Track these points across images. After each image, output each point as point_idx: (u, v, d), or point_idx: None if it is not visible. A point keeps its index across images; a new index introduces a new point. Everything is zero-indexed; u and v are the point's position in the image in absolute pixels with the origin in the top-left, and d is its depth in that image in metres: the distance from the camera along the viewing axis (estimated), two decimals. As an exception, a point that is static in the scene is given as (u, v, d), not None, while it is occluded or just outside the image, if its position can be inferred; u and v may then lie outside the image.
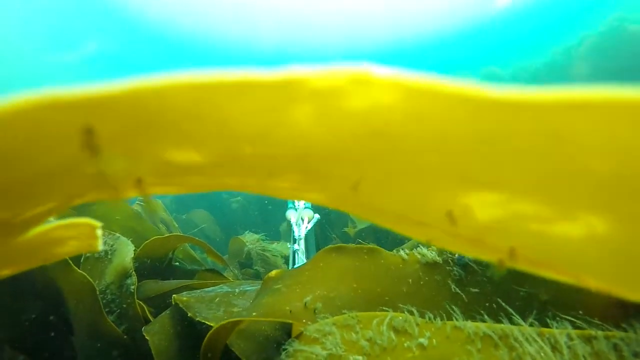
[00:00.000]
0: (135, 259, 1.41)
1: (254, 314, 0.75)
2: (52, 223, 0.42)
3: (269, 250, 2.42)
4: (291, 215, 1.62)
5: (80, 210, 1.95)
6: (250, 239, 2.48)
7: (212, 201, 5.53)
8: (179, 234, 1.59)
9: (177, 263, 1.84)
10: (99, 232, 0.46)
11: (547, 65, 6.36)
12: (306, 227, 1.54)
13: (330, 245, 0.85)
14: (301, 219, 1.57)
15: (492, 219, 0.27)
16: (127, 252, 1.32)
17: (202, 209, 5.08)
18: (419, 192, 0.27)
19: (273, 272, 0.88)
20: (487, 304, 0.72)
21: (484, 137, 0.22)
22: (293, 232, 1.55)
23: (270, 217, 5.04)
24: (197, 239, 1.58)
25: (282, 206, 4.67)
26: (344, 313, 0.66)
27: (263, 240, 2.49)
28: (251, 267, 2.50)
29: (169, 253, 1.64)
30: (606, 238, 0.24)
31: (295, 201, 1.66)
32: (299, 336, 0.64)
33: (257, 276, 2.42)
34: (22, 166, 0.25)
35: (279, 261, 2.45)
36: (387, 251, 0.82)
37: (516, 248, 0.28)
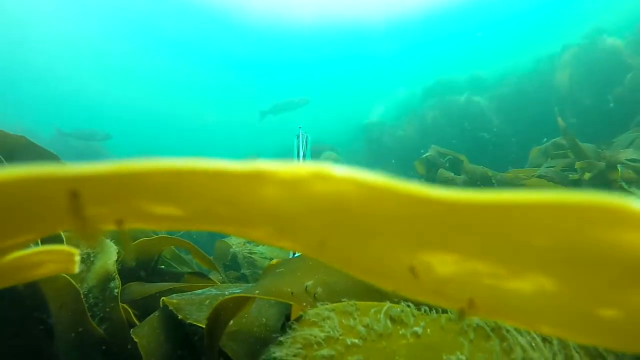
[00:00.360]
0: (121, 261, 1.39)
1: (256, 292, 0.78)
2: (32, 249, 0.43)
3: (256, 253, 2.41)
4: None
5: None
6: (236, 242, 2.47)
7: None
8: (166, 235, 1.57)
9: (163, 266, 1.82)
10: (77, 257, 0.47)
11: (531, 72, 6.50)
12: None
13: None
14: None
15: (451, 274, 0.30)
16: (110, 254, 1.30)
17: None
18: (381, 253, 0.31)
19: (274, 260, 0.90)
20: None
21: (430, 221, 0.26)
22: None
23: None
24: (184, 240, 1.57)
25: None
26: (343, 300, 0.68)
27: (248, 243, 2.48)
28: (236, 269, 2.48)
29: (155, 255, 1.63)
30: (553, 294, 0.28)
31: None
32: (298, 319, 0.66)
33: (243, 279, 2.41)
34: (13, 214, 0.29)
35: (266, 263, 2.45)
36: None
37: (475, 299, 0.31)
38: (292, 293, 0.75)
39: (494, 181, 2.55)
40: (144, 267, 1.62)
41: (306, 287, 0.76)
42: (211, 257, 2.60)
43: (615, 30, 6.25)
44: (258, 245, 2.54)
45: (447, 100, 6.55)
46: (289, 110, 10.18)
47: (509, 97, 6.30)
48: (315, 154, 6.37)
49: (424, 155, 3.31)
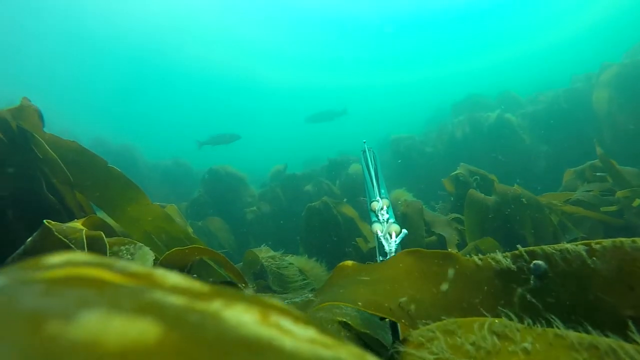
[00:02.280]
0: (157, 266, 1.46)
1: (359, 303, 0.80)
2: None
3: (285, 268, 2.44)
4: (377, 229, 1.58)
5: (114, 211, 2.03)
6: (265, 255, 2.52)
7: (228, 209, 5.60)
8: (200, 246, 1.62)
9: (195, 275, 1.89)
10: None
11: (568, 91, 6.32)
12: (395, 242, 1.51)
13: (408, 249, 0.91)
14: (389, 233, 1.54)
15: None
16: (145, 262, 1.36)
17: (218, 216, 5.15)
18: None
19: (349, 263, 0.94)
20: (563, 315, 0.72)
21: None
22: (381, 245, 1.52)
23: (283, 230, 5.08)
24: (217, 252, 1.62)
25: (294, 218, 4.73)
26: (443, 318, 0.69)
27: (279, 257, 2.52)
28: (265, 278, 2.53)
29: (188, 264, 1.68)
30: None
31: (380, 215, 1.64)
32: (404, 340, 0.67)
33: (268, 289, 2.44)
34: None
35: (296, 277, 2.48)
36: (461, 256, 0.86)
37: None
38: (390, 309, 0.77)
39: (524, 200, 2.50)
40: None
41: (400, 304, 0.78)
42: (239, 265, 2.66)
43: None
44: (287, 256, 2.57)
45: (478, 117, 6.45)
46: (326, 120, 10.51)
47: (542, 115, 6.14)
48: (343, 166, 6.40)
49: (453, 174, 3.28)
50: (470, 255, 0.89)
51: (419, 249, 0.91)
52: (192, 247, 1.67)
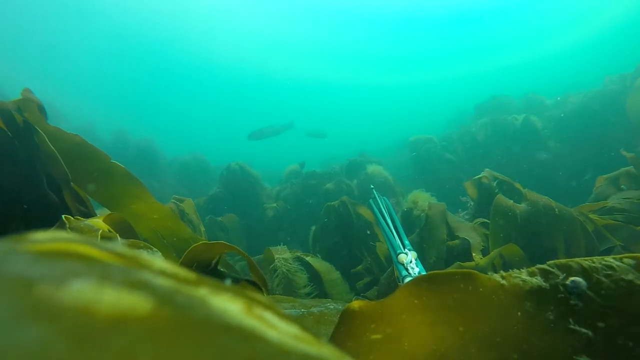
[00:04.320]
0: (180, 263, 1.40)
1: None
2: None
3: (296, 274, 2.37)
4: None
5: (120, 209, 1.99)
6: (281, 256, 2.45)
7: (249, 204, 5.59)
8: (224, 242, 1.56)
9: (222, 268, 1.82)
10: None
11: (600, 92, 6.03)
12: (418, 272, 1.47)
13: (419, 276, 0.77)
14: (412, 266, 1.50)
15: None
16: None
17: (237, 212, 5.14)
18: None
19: (356, 306, 0.76)
20: (618, 343, 0.62)
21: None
22: (404, 275, 1.47)
23: (299, 229, 5.03)
24: (241, 250, 1.56)
25: (310, 219, 4.67)
26: None
27: (294, 259, 2.45)
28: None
29: (212, 260, 1.62)
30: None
31: (410, 268, 1.57)
32: None
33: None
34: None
35: (302, 283, 2.39)
36: (481, 274, 0.73)
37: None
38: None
39: (557, 211, 2.35)
40: (203, 270, 1.61)
41: None
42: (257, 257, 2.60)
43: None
44: (294, 265, 2.48)
45: (501, 120, 6.23)
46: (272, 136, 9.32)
47: (569, 119, 5.89)
48: (361, 166, 6.30)
49: (476, 177, 3.14)
50: (493, 265, 0.76)
51: (432, 273, 0.76)
52: (217, 242, 1.58)
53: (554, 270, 0.71)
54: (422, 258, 2.44)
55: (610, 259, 0.69)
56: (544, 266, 0.73)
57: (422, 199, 3.65)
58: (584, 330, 0.66)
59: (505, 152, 5.92)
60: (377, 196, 2.13)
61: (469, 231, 2.46)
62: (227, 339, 0.21)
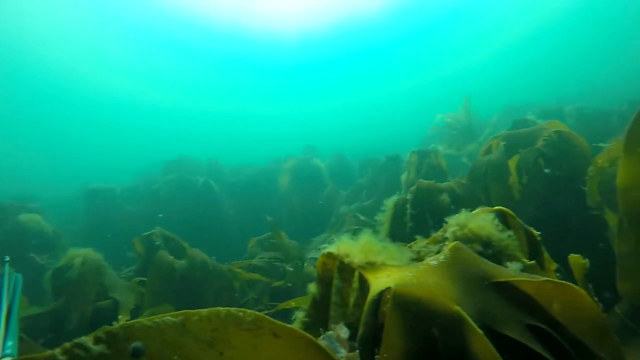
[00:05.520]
0: None
1: None
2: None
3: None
4: None
5: None
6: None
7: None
8: None
9: None
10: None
11: (263, 170, 7.59)
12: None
13: None
14: None
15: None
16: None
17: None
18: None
19: None
20: None
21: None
22: None
23: None
24: None
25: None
26: None
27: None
28: None
29: None
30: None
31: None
32: None
33: None
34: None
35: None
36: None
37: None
38: None
39: (210, 267, 2.61)
40: None
41: None
42: None
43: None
44: None
45: (188, 178, 6.64)
46: None
47: (241, 187, 6.99)
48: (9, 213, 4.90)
49: (146, 234, 3.09)
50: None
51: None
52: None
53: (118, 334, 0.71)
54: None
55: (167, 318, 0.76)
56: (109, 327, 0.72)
57: (84, 255, 3.18)
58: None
59: (188, 209, 6.22)
60: (5, 273, 1.59)
61: (124, 290, 2.32)
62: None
